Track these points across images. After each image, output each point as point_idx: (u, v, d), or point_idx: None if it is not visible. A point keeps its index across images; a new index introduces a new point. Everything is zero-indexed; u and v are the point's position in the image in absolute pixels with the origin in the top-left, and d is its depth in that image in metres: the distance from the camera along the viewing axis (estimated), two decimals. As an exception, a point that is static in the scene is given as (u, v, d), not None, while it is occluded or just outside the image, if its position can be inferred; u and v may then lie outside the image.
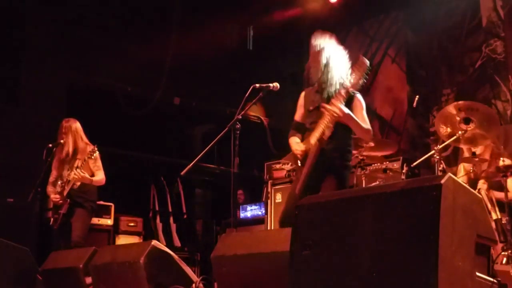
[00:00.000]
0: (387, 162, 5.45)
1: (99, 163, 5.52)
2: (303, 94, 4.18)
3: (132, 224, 7.50)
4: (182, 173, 4.11)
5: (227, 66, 8.47)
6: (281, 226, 3.81)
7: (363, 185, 5.18)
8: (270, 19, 8.54)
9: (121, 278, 3.81)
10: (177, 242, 7.75)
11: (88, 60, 7.77)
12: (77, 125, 5.63)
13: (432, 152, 4.29)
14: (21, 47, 7.36)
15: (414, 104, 5.29)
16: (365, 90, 8.30)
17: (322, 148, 3.81)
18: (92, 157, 5.31)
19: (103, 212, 7.06)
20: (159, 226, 7.56)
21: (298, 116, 4.16)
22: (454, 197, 2.24)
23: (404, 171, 4.90)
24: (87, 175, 5.37)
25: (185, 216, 6.60)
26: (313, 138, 3.84)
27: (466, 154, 4.81)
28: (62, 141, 5.52)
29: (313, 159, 3.80)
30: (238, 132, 3.94)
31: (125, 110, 8.08)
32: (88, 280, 4.04)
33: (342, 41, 8.70)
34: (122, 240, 7.22)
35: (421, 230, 2.21)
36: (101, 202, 7.15)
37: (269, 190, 6.64)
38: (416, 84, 7.59)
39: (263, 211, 6.81)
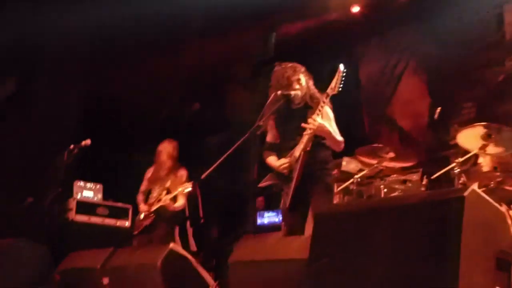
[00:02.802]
0: (407, 174, 5.43)
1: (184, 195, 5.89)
2: (273, 117, 4.25)
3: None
4: (203, 176, 4.14)
5: (248, 73, 8.49)
6: None
7: (382, 196, 5.16)
8: (292, 28, 8.56)
9: (138, 280, 3.84)
10: (193, 247, 7.75)
11: (104, 69, 7.86)
12: (175, 146, 6.07)
13: (453, 164, 4.26)
14: (36, 57, 7.46)
15: (436, 116, 5.27)
16: (386, 101, 8.30)
17: (306, 160, 3.89)
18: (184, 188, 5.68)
19: (121, 214, 7.12)
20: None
21: (269, 137, 4.29)
22: (477, 210, 2.23)
23: (424, 183, 4.88)
24: (175, 205, 5.80)
25: (202, 221, 6.62)
26: (297, 151, 3.94)
27: (486, 169, 4.77)
28: (83, 143, 5.62)
29: (299, 172, 3.88)
30: (257, 138, 3.99)
31: (140, 119, 8.16)
32: (106, 280, 4.07)
33: (362, 51, 8.71)
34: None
35: (442, 243, 2.20)
36: (119, 204, 7.21)
37: (286, 197, 6.61)
38: (437, 96, 7.53)
39: (280, 218, 6.79)
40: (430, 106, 7.49)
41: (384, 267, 2.36)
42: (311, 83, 4.17)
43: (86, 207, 6.89)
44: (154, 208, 5.76)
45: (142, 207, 5.94)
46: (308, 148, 3.91)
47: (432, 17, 7.57)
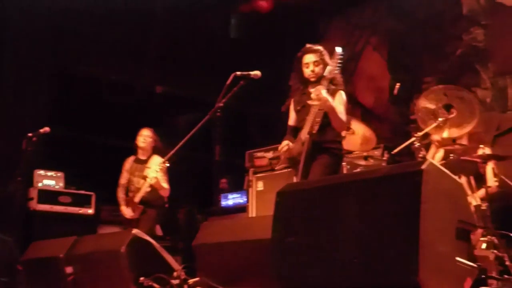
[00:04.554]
0: (368, 150, 5.47)
1: (166, 176, 5.79)
2: (292, 99, 4.35)
3: (114, 213, 7.44)
4: (164, 160, 4.09)
5: (210, 54, 8.42)
6: None
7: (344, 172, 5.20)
8: (252, 8, 8.49)
9: (103, 267, 3.79)
10: (159, 231, 7.72)
11: (71, 48, 7.69)
12: (151, 135, 6.00)
13: (413, 139, 4.30)
14: (3, 35, 7.23)
15: (395, 91, 5.32)
16: (347, 79, 8.33)
17: (313, 141, 3.95)
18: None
19: (84, 201, 7.01)
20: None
21: (291, 120, 4.36)
22: (435, 183, 2.25)
23: (384, 158, 4.93)
24: (162, 180, 5.66)
25: (166, 205, 6.58)
26: (303, 134, 4.01)
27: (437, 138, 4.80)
28: (42, 130, 5.50)
29: (306, 152, 3.95)
30: (219, 120, 3.96)
31: (108, 98, 8.03)
32: (69, 269, 4.00)
33: (324, 29, 8.70)
34: (104, 229, 7.16)
35: (402, 215, 2.22)
36: (82, 192, 7.10)
37: (250, 178, 6.65)
38: (397, 72, 7.61)
39: (245, 199, 6.80)
40: (390, 82, 7.57)
41: (349, 242, 2.37)
42: (328, 60, 4.14)
43: (48, 196, 6.74)
44: (138, 200, 5.70)
45: (123, 201, 5.91)
46: (314, 131, 3.95)
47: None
